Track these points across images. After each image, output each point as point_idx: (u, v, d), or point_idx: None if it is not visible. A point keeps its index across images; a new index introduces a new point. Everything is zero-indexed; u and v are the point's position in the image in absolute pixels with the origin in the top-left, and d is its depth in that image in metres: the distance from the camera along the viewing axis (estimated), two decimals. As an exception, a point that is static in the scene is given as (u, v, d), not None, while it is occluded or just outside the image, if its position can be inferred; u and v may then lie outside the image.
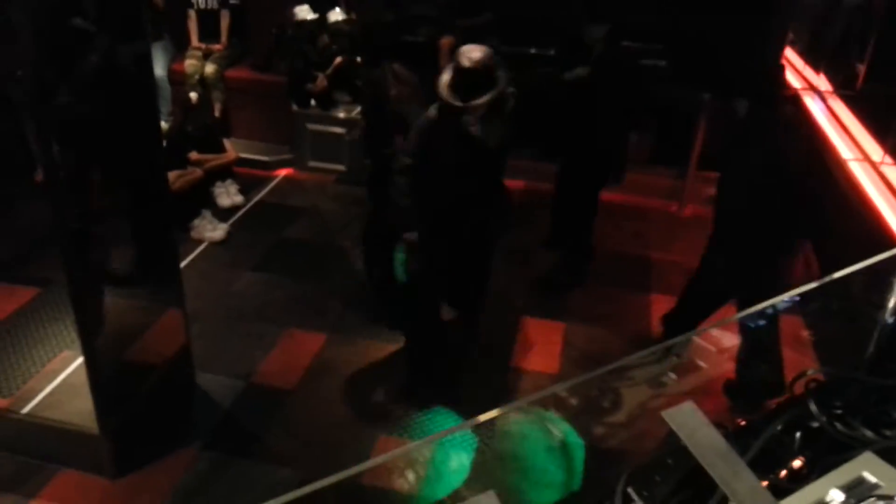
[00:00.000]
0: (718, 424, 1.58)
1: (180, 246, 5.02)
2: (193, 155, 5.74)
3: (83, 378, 3.31)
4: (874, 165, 4.30)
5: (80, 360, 3.48)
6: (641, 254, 5.41)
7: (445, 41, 6.70)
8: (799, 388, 1.71)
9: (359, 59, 6.58)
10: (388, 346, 4.35)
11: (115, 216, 3.52)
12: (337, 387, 4.05)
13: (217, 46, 6.74)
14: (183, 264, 4.95)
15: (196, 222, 5.44)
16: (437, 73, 6.85)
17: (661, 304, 4.45)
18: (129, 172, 3.50)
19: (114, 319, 3.38)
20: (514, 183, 5.19)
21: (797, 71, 6.02)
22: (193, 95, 6.32)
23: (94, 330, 3.20)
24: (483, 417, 1.30)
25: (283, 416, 3.86)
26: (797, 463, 1.62)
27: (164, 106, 6.78)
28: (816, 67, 5.89)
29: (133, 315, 3.70)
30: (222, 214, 5.74)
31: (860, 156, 4.48)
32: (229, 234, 5.51)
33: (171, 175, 5.35)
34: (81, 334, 3.19)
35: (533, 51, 6.86)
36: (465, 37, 6.67)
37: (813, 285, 1.91)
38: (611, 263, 5.23)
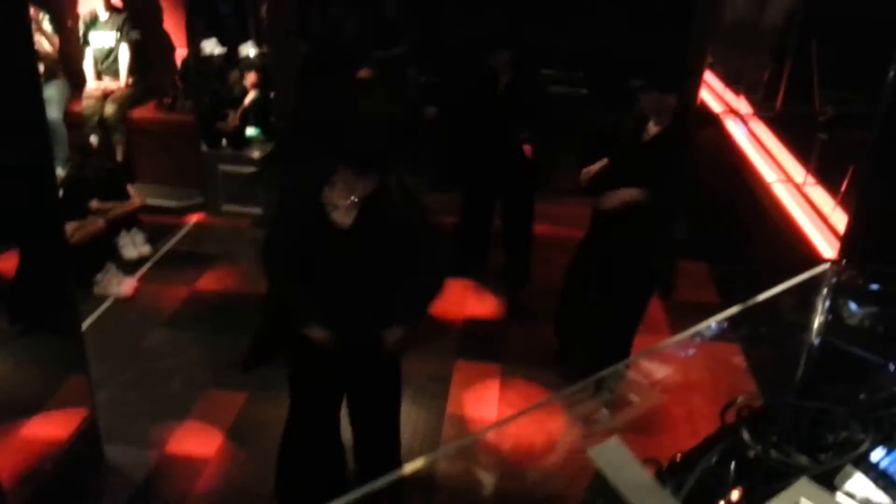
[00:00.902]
0: (651, 460, 1.64)
1: (82, 304, 4.87)
2: (94, 203, 5.59)
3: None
4: (797, 187, 4.55)
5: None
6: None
7: (362, 74, 6.79)
8: (731, 417, 1.79)
9: (272, 94, 6.60)
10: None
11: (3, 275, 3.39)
12: (262, 450, 3.94)
13: (117, 85, 6.64)
14: (86, 325, 4.83)
15: (99, 277, 5.29)
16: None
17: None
18: (19, 226, 3.39)
19: (5, 391, 3.24)
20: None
21: (717, 94, 6.33)
22: (93, 139, 6.20)
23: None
24: (409, 468, 1.31)
25: (204, 486, 3.73)
26: (735, 494, 1.68)
27: (61, 151, 6.59)
28: (736, 90, 6.22)
29: (29, 385, 3.56)
30: (128, 267, 5.59)
31: (783, 177, 4.73)
32: (137, 288, 5.37)
33: (70, 227, 5.20)
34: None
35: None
36: (382, 68, 6.84)
37: (738, 308, 2.01)
38: (543, 300, 5.30)
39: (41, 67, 6.15)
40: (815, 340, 2.05)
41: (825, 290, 2.13)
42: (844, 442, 1.75)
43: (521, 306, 5.32)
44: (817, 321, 2.08)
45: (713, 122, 5.92)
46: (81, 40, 6.61)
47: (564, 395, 2.00)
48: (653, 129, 3.77)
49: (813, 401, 1.85)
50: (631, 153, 3.90)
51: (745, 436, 1.75)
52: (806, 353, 2.04)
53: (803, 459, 1.72)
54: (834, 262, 2.07)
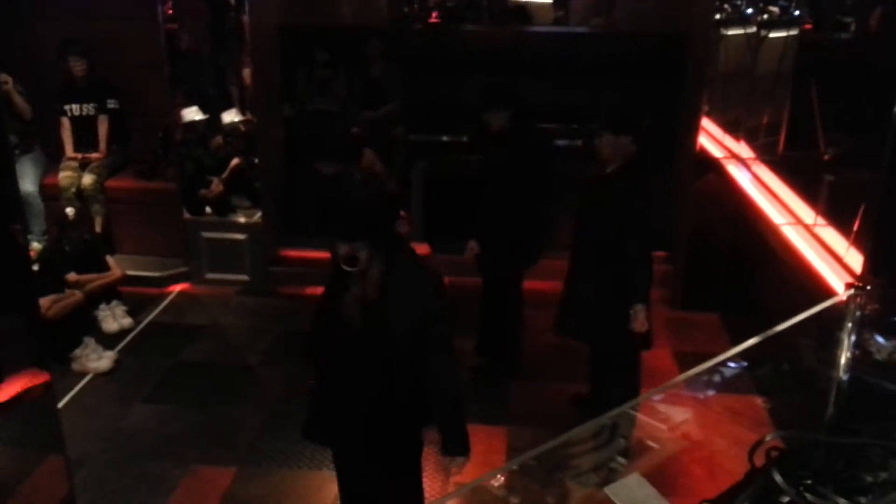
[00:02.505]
0: (676, 506, 1.57)
1: (60, 380, 4.80)
2: (71, 276, 5.56)
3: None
4: (808, 228, 4.55)
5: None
6: (578, 343, 5.46)
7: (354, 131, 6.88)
8: (760, 459, 1.72)
9: (256, 160, 6.65)
10: (308, 473, 4.18)
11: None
12: (252, 527, 3.85)
13: (95, 155, 6.66)
14: (63, 402, 4.75)
15: (77, 352, 5.21)
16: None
17: (608, 396, 4.44)
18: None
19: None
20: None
21: (716, 140, 6.41)
22: (70, 210, 6.18)
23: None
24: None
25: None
26: (771, 543, 1.61)
27: (37, 225, 6.61)
28: (736, 136, 6.30)
29: (4, 465, 3.45)
30: (109, 341, 5.53)
31: (792, 220, 4.74)
32: (117, 362, 5.29)
33: (46, 301, 5.17)
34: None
35: (445, 138, 7.10)
36: (370, 128, 6.94)
37: (754, 340, 1.96)
38: (548, 357, 5.26)
39: (15, 138, 6.21)
40: (844, 376, 2.00)
41: (849, 324, 2.09)
42: (884, 482, 1.69)
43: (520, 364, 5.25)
44: (844, 355, 2.03)
45: (714, 167, 5.97)
46: (58, 110, 6.66)
47: (574, 437, 1.94)
48: (607, 172, 4.05)
49: (848, 438, 1.79)
50: (588, 198, 4.18)
51: (778, 478, 1.68)
52: (835, 390, 1.98)
53: (843, 502, 1.65)
54: (857, 289, 2.03)
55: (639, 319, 3.96)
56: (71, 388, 4.98)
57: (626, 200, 3.96)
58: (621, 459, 2.67)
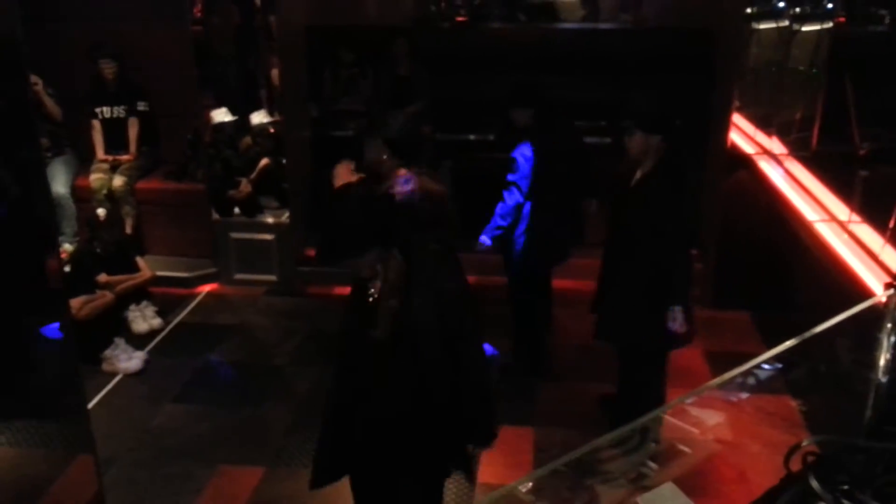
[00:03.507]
0: (711, 515, 1.52)
1: (91, 380, 4.83)
2: (102, 277, 5.61)
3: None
4: (842, 225, 4.44)
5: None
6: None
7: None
8: (795, 465, 1.66)
9: (284, 161, 6.67)
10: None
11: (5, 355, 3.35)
12: (281, 528, 3.85)
13: (126, 157, 6.73)
14: (93, 402, 4.79)
15: (108, 353, 5.25)
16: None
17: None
18: (19, 304, 3.36)
19: (10, 474, 3.17)
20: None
21: (748, 136, 6.30)
22: (101, 212, 6.24)
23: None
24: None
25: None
26: (808, 551, 1.56)
27: (69, 226, 6.68)
28: (768, 132, 6.18)
29: (34, 466, 3.48)
30: (138, 341, 5.57)
31: (826, 216, 4.63)
32: (147, 362, 5.32)
33: (77, 302, 5.22)
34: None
35: (472, 137, 7.05)
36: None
37: (792, 343, 1.90)
38: (576, 357, 5.20)
39: (47, 141, 6.27)
40: (884, 378, 1.93)
41: (889, 324, 2.02)
42: (925, 488, 1.62)
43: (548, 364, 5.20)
44: (883, 357, 1.96)
45: (746, 164, 5.87)
46: (89, 113, 6.73)
47: (604, 442, 1.89)
48: (640, 172, 3.93)
49: (887, 443, 1.72)
50: (622, 198, 4.06)
51: (815, 484, 1.63)
52: (873, 393, 1.91)
53: (883, 508, 1.59)
54: (896, 289, 1.96)
55: (678, 321, 3.88)
56: (101, 389, 5.01)
57: (662, 200, 3.86)
58: (652, 464, 2.62)
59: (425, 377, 2.88)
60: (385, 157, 3.13)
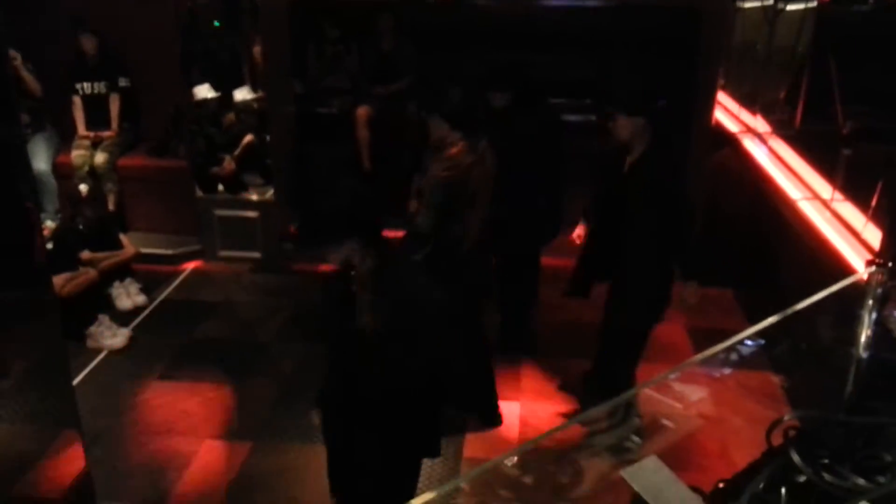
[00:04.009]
0: (693, 488, 1.55)
1: (75, 357, 4.82)
2: (85, 254, 5.57)
3: (-40, 524, 3.06)
4: (825, 203, 4.49)
5: (-44, 502, 3.22)
6: (593, 320, 5.44)
7: (361, 111, 6.83)
8: (777, 439, 1.69)
9: (268, 137, 6.62)
10: (323, 447, 4.17)
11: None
12: (269, 502, 3.86)
13: (107, 133, 6.66)
14: (78, 379, 4.78)
15: (92, 329, 5.23)
16: (354, 143, 6.88)
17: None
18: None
19: (-3, 449, 3.16)
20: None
21: (732, 114, 6.32)
22: (83, 188, 6.20)
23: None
24: (420, 501, 1.23)
25: (207, 544, 3.64)
26: (787, 522, 1.59)
27: (51, 203, 6.62)
28: (752, 110, 6.21)
29: (19, 442, 3.47)
30: (123, 318, 5.55)
31: (809, 194, 4.67)
32: (131, 339, 5.31)
33: (60, 279, 5.18)
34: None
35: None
36: (381, 104, 6.87)
37: (773, 319, 1.92)
38: (563, 334, 5.24)
39: (27, 117, 6.19)
40: (864, 354, 1.96)
41: (870, 301, 2.05)
42: (903, 461, 1.66)
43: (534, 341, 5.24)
44: (864, 333, 1.99)
45: (729, 142, 5.90)
46: (70, 89, 6.65)
47: (589, 417, 1.91)
48: (631, 157, 3.86)
49: (867, 418, 1.76)
50: (616, 186, 3.98)
51: (796, 458, 1.66)
52: (854, 369, 1.95)
53: (861, 481, 1.62)
54: (879, 266, 1.99)
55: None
56: (86, 365, 5.00)
57: (660, 181, 3.80)
58: (636, 439, 2.66)
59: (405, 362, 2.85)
60: (447, 131, 3.17)
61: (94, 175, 6.55)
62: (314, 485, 3.94)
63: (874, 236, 3.84)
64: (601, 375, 4.27)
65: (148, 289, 5.95)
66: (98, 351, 5.18)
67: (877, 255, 2.39)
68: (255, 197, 6.61)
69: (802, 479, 1.64)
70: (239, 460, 4.15)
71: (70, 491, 3.61)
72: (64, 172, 6.61)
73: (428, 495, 1.34)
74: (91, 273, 5.50)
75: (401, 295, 2.70)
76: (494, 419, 4.37)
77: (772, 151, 5.48)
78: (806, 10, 6.31)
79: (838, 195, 4.48)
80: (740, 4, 6.85)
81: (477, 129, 3.60)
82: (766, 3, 6.80)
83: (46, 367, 3.61)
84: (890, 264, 1.98)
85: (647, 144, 3.82)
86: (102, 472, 3.85)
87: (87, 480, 3.71)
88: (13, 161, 3.27)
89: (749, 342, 2.26)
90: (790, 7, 6.40)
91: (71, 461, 3.63)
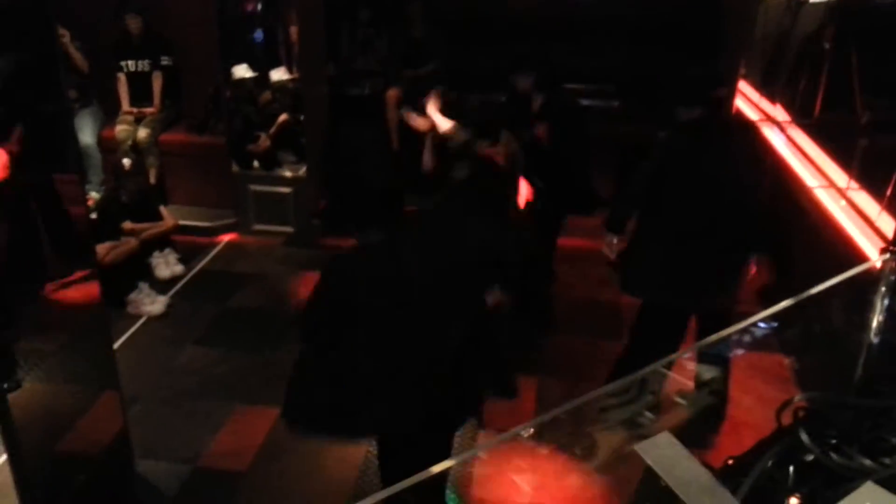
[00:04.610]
0: (703, 464, 1.53)
1: (116, 322, 4.88)
2: (127, 225, 5.62)
3: (7, 478, 3.12)
4: (841, 191, 4.41)
5: (3, 458, 3.28)
6: (610, 300, 5.41)
7: (391, 93, 6.80)
8: (786, 419, 1.67)
9: (302, 117, 6.63)
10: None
11: (37, 294, 3.38)
12: (295, 466, 3.90)
13: (150, 110, 6.70)
14: (119, 342, 4.84)
15: (132, 296, 5.30)
16: (385, 126, 6.85)
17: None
18: (51, 246, 3.38)
19: (40, 408, 3.21)
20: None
21: (753, 103, 6.21)
22: (126, 162, 6.24)
23: (17, 423, 3.02)
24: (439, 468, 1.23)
25: (236, 502, 3.68)
26: (794, 501, 1.57)
27: (95, 175, 6.69)
28: (772, 98, 6.10)
29: (62, 402, 3.53)
30: (161, 286, 5.60)
31: (825, 182, 4.59)
32: (169, 306, 5.37)
33: (103, 247, 5.24)
34: (3, 428, 3.01)
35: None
36: (411, 87, 6.83)
37: (787, 303, 1.90)
38: (580, 312, 5.21)
39: (74, 93, 6.24)
40: (875, 339, 1.92)
41: (883, 287, 2.01)
42: (910, 444, 1.63)
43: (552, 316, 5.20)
44: (876, 319, 1.95)
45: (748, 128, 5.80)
46: (115, 66, 6.68)
47: (604, 393, 1.90)
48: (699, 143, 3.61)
49: (876, 401, 1.73)
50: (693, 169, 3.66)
51: (804, 438, 1.63)
52: (865, 353, 1.91)
53: (867, 462, 1.60)
54: (893, 254, 1.95)
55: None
56: (126, 330, 5.06)
57: (737, 158, 3.64)
58: (649, 415, 2.65)
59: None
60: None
61: (136, 149, 6.60)
62: (339, 450, 3.98)
63: (888, 225, 3.76)
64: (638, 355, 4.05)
65: (185, 259, 6.00)
66: (137, 317, 5.24)
67: (890, 243, 2.34)
68: (288, 174, 6.63)
69: (810, 458, 1.62)
70: (268, 425, 4.18)
71: (109, 448, 3.67)
72: (108, 146, 6.67)
73: (448, 462, 1.34)
74: (132, 243, 5.56)
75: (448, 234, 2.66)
76: (510, 392, 4.35)
77: (790, 139, 5.39)
78: (829, 1, 6.17)
79: (854, 184, 4.39)
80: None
81: (499, 133, 3.55)
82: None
83: (89, 332, 3.66)
84: (903, 251, 1.94)
85: (709, 128, 3.61)
86: (139, 431, 3.92)
87: (126, 438, 3.78)
88: (61, 133, 3.31)
89: (762, 324, 2.23)
90: (812, -1, 6.27)
91: (110, 420, 3.69)
